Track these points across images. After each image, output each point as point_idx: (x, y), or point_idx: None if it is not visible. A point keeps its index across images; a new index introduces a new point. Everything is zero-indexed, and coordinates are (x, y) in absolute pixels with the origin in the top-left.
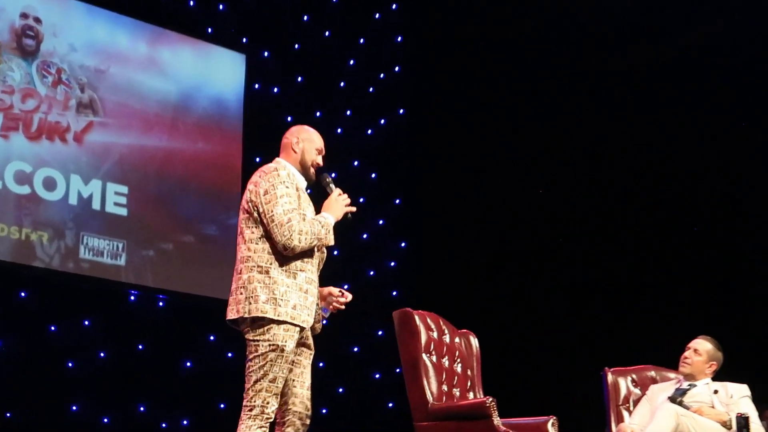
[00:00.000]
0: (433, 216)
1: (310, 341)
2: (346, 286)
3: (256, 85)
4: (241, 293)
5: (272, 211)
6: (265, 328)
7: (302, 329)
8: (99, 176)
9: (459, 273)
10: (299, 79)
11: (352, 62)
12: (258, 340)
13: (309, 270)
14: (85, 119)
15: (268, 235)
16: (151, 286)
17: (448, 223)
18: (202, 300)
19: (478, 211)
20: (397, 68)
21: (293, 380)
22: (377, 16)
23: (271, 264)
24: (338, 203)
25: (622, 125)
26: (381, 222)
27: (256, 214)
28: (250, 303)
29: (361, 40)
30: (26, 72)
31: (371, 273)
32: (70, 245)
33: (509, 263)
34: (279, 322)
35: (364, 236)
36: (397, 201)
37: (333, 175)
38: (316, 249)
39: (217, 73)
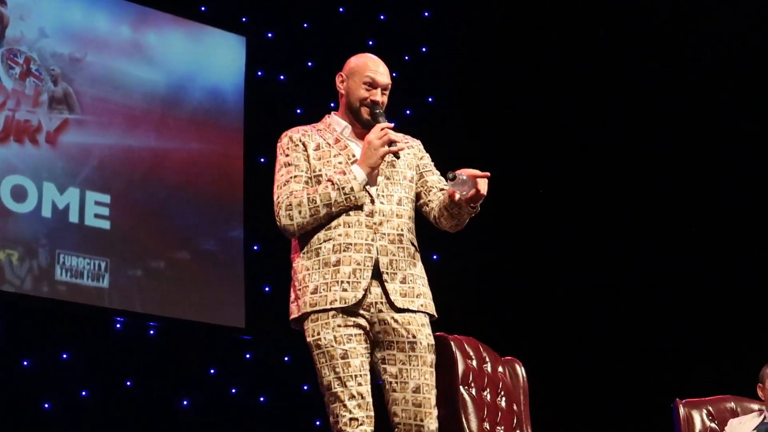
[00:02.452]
0: (469, 223)
1: (403, 327)
2: None
3: (259, 73)
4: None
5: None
6: (303, 330)
7: (344, 312)
8: (77, 184)
9: (501, 291)
10: (309, 64)
11: (371, 43)
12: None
13: (341, 235)
14: (59, 117)
15: None
16: (139, 311)
17: (487, 232)
18: (199, 327)
19: (522, 217)
20: (424, 49)
21: (390, 383)
22: None
23: (296, 251)
24: (372, 146)
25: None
26: None
27: None
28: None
29: (382, 17)
30: None
31: None
32: (44, 265)
33: (560, 279)
34: (306, 317)
35: None
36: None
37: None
38: (367, 203)
39: (213, 59)
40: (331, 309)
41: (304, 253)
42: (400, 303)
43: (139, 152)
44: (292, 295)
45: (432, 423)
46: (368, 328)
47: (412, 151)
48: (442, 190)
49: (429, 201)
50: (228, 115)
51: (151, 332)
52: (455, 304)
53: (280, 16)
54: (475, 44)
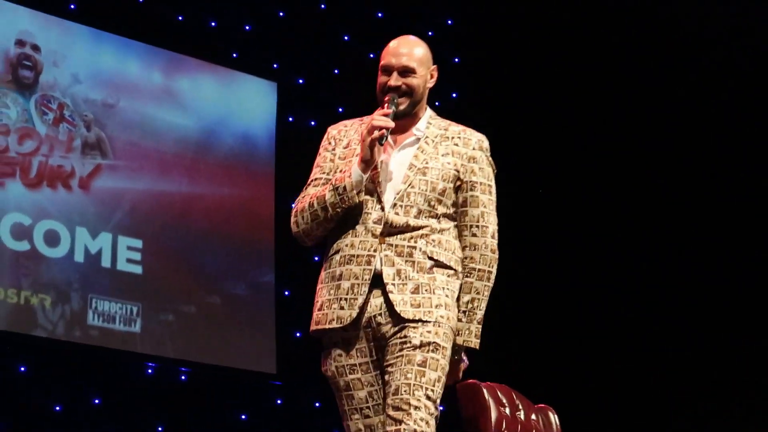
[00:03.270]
0: (499, 267)
1: (400, 330)
2: None
3: (290, 118)
4: None
5: None
6: None
7: (345, 339)
8: (109, 228)
9: (533, 336)
10: (340, 110)
11: None
12: None
13: (347, 245)
14: (92, 162)
15: None
16: (171, 356)
17: (516, 276)
18: (230, 372)
19: (552, 260)
20: (454, 95)
21: (385, 388)
22: (430, 33)
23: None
24: (361, 138)
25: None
26: None
27: None
28: None
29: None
30: (23, 108)
31: None
32: (77, 310)
33: (595, 325)
34: (315, 339)
35: None
36: None
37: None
38: (364, 206)
39: (244, 104)
40: (331, 332)
41: (324, 264)
42: (410, 314)
43: (170, 197)
44: None
45: (411, 423)
46: (374, 349)
47: (453, 159)
48: (470, 246)
49: (463, 248)
50: (259, 160)
51: (183, 377)
52: (487, 350)
53: (310, 62)
54: (506, 91)
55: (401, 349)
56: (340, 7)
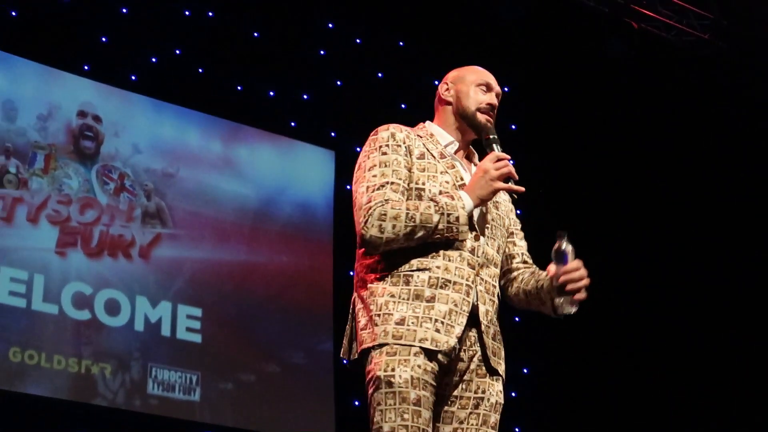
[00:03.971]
0: (559, 333)
1: (475, 382)
2: None
3: (348, 186)
4: (347, 330)
5: (356, 193)
6: (367, 360)
7: (433, 354)
8: (169, 297)
9: (599, 405)
10: None
11: None
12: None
13: (439, 267)
14: (152, 231)
15: None
16: (230, 425)
17: (578, 341)
18: None
19: (611, 325)
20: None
21: None
22: None
23: (373, 270)
24: (488, 176)
25: None
26: None
27: None
28: (352, 341)
29: None
30: (85, 179)
31: None
32: (137, 379)
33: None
34: (378, 347)
35: None
36: (517, 318)
37: None
38: (470, 238)
39: (302, 173)
40: (413, 346)
41: (388, 277)
42: (493, 361)
43: (229, 266)
44: (363, 320)
45: None
46: (441, 379)
47: (510, 206)
48: (525, 263)
49: (513, 269)
50: (317, 228)
51: None
52: (547, 420)
53: (368, 131)
54: (559, 157)
55: (477, 406)
56: (396, 75)
